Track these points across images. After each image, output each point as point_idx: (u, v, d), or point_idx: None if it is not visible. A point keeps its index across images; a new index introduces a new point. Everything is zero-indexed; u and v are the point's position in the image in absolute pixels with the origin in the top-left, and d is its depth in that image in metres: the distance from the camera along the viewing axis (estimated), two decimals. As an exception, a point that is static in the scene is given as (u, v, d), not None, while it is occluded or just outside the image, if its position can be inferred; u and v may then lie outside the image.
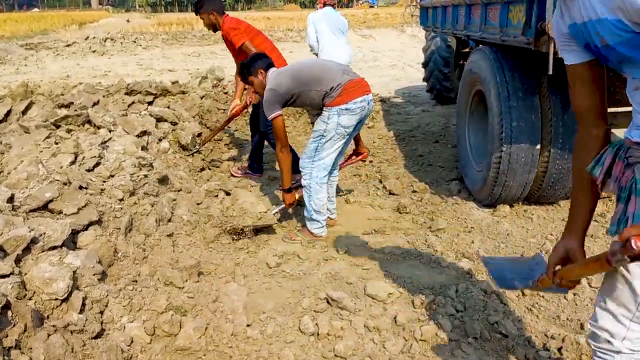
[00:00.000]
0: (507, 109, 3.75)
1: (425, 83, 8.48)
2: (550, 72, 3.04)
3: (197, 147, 5.27)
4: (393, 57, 15.16)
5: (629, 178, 1.38)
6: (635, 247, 1.10)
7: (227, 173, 5.13)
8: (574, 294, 2.90)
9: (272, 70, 3.67)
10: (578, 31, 1.39)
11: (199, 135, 5.46)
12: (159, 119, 5.32)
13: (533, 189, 3.96)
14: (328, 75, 3.55)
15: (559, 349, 2.43)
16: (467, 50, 7.09)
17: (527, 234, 3.69)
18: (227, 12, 4.80)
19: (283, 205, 3.90)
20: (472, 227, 3.83)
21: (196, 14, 4.80)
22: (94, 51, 17.38)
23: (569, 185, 3.89)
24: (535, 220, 3.90)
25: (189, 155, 5.17)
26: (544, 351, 2.45)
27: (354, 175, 5.06)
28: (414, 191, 4.58)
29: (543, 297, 2.89)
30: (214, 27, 4.79)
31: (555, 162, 3.73)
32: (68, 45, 19.22)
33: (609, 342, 1.52)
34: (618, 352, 1.51)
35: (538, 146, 3.74)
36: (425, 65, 8.16)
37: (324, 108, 3.56)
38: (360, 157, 4.15)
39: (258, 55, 3.82)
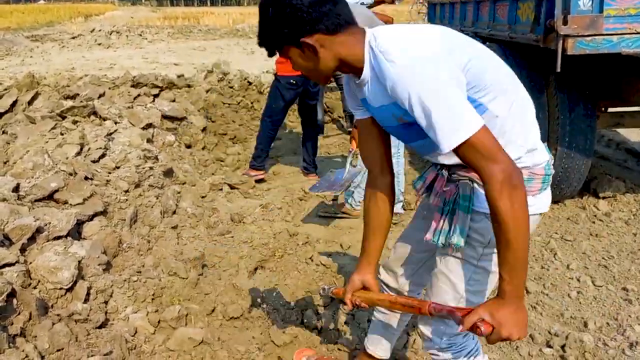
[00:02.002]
0: (513, 107, 3.73)
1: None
2: (558, 70, 3.03)
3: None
4: (399, 54, 15.11)
5: (452, 192, 1.53)
6: (483, 333, 1.34)
7: (232, 166, 5.12)
8: (578, 292, 2.89)
9: None
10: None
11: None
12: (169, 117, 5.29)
13: (538, 187, 3.94)
14: None
15: (562, 347, 2.43)
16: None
17: (531, 232, 3.67)
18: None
19: (352, 150, 3.68)
20: (476, 225, 3.81)
21: None
22: (99, 44, 17.39)
23: (575, 184, 3.88)
24: (540, 219, 3.88)
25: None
26: (548, 348, 2.44)
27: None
28: (418, 188, 4.56)
29: (547, 295, 2.89)
30: None
31: (561, 161, 3.72)
32: (73, 38, 19.24)
33: (431, 340, 1.67)
34: (441, 349, 1.67)
35: (544, 144, 3.72)
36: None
37: None
38: None
39: None
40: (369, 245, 1.75)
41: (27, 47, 16.54)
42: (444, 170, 1.58)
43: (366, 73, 1.45)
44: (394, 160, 3.68)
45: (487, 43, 4.56)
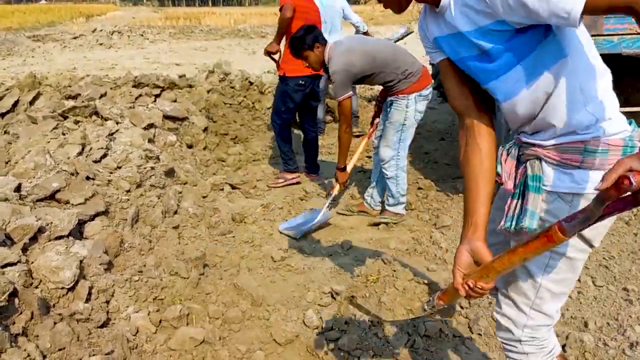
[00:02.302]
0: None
1: (432, 80, 8.44)
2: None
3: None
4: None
5: (522, 174, 1.44)
6: (634, 184, 0.97)
7: (233, 166, 5.13)
8: (578, 292, 2.90)
9: (332, 46, 3.57)
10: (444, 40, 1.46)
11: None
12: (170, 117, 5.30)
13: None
14: (404, 58, 3.56)
15: (563, 346, 2.43)
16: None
17: (532, 232, 3.68)
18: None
19: (333, 193, 3.89)
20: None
21: None
22: (101, 44, 17.42)
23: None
24: (540, 219, 3.88)
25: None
26: (548, 349, 2.44)
27: (359, 171, 5.06)
28: (419, 188, 4.57)
29: (547, 295, 2.89)
30: None
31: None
32: (75, 38, 19.25)
33: (510, 330, 1.56)
34: (519, 341, 1.55)
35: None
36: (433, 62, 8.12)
37: (399, 95, 3.56)
38: None
39: (310, 27, 3.69)
40: (474, 201, 1.41)
41: (28, 47, 16.56)
42: (512, 150, 1.49)
43: None
44: (392, 163, 3.72)
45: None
